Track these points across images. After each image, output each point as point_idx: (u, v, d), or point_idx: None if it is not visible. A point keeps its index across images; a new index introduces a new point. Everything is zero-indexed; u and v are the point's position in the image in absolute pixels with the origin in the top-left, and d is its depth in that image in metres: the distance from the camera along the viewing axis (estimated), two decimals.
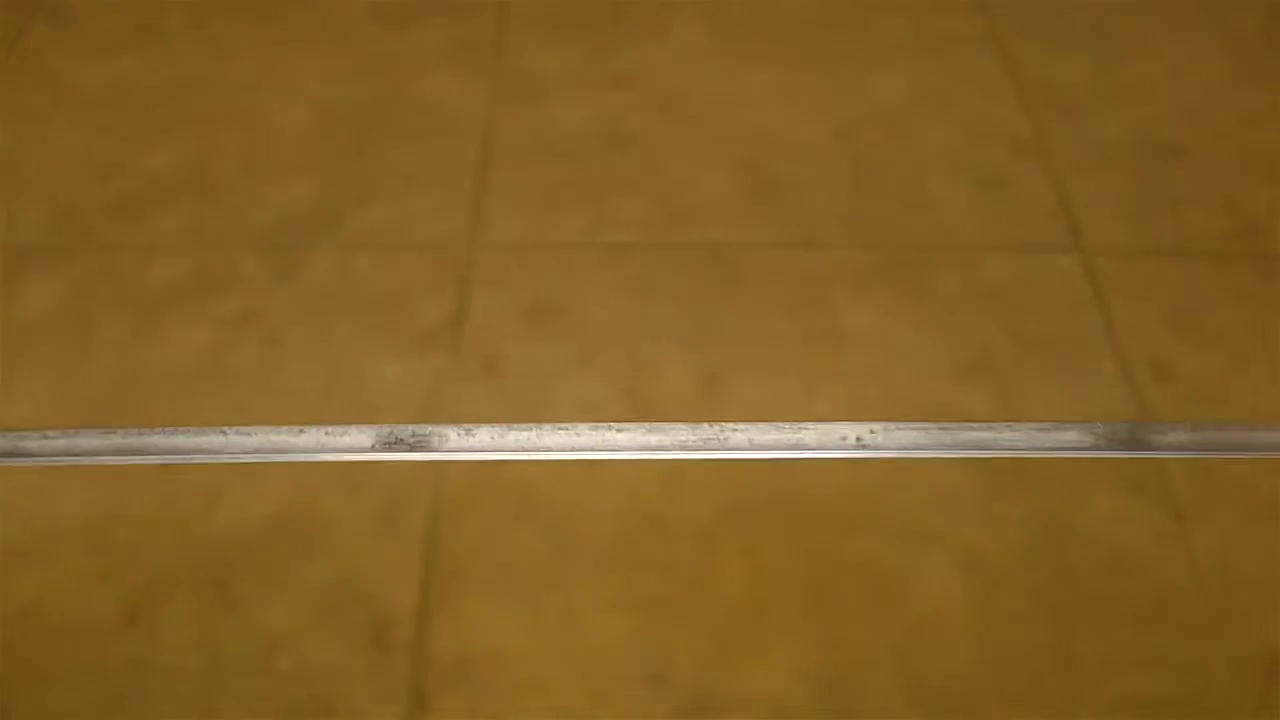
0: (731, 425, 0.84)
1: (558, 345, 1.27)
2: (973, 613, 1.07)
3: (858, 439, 0.85)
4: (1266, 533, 1.12)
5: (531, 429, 0.84)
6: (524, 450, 0.85)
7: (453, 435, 0.85)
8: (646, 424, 0.84)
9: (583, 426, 0.85)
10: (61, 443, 0.81)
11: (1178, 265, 1.37)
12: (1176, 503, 1.14)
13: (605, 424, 0.86)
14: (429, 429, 0.84)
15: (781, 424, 0.84)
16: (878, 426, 0.85)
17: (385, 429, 0.83)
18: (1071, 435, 0.85)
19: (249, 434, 0.83)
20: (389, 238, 1.39)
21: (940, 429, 0.85)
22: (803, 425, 0.85)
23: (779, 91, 1.59)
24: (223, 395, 1.21)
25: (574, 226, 1.41)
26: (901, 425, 0.85)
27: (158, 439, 0.81)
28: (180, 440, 0.82)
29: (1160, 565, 1.10)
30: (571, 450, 0.84)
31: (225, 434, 0.82)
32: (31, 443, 0.82)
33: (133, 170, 1.46)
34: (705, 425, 0.85)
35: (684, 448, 0.86)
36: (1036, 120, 1.54)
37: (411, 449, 0.85)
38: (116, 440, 0.81)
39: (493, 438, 0.86)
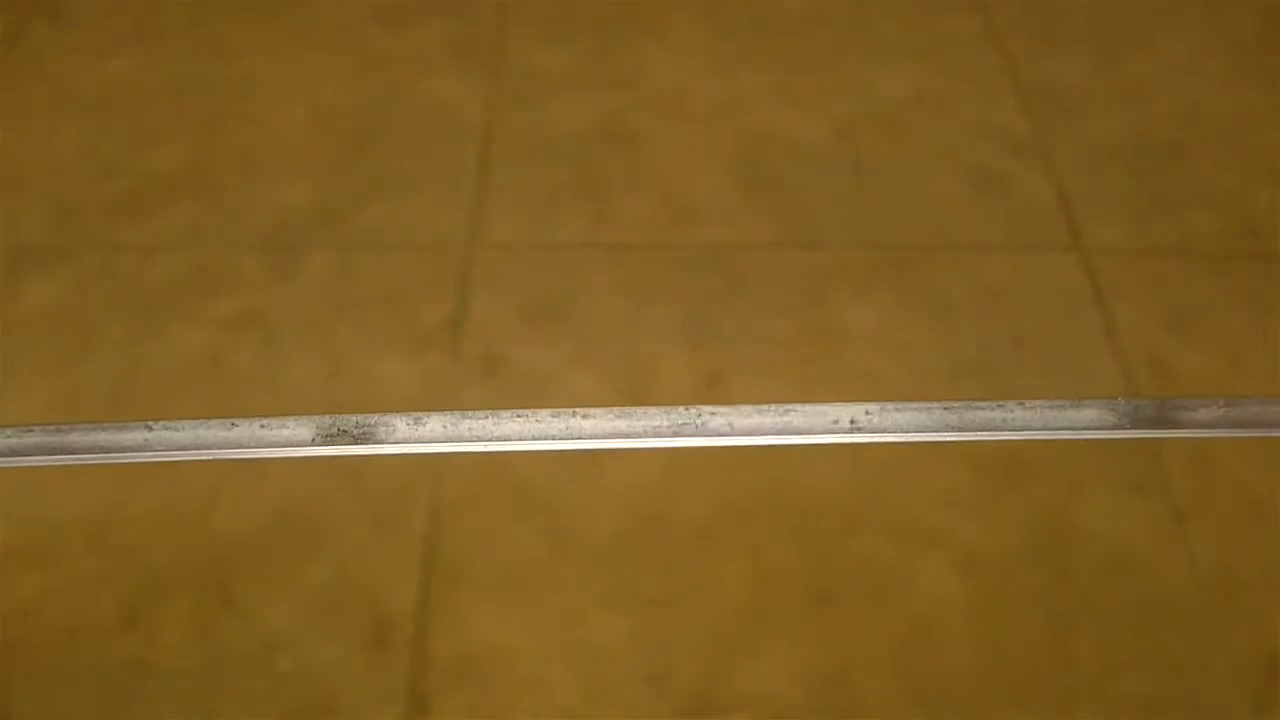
0: (710, 409, 0.80)
1: (557, 345, 1.27)
2: (972, 612, 1.07)
3: (851, 421, 0.81)
4: (1266, 532, 1.12)
5: (488, 415, 0.80)
6: (479, 440, 0.81)
7: (401, 426, 0.81)
8: (615, 409, 0.81)
9: (544, 413, 0.82)
10: None
11: (1178, 265, 1.37)
12: (1176, 502, 1.14)
13: (569, 410, 0.82)
14: (374, 419, 0.80)
15: (765, 406, 0.81)
16: (874, 407, 0.81)
17: (327, 420, 0.80)
18: (1091, 414, 0.81)
19: (177, 429, 0.79)
20: (389, 238, 1.39)
21: (944, 409, 0.80)
22: (790, 407, 0.81)
23: (779, 91, 1.59)
24: (222, 394, 1.22)
25: (574, 226, 1.41)
26: (900, 406, 0.81)
27: (76, 437, 0.78)
28: (103, 438, 0.78)
29: (1160, 565, 1.10)
30: (532, 439, 0.81)
31: (151, 429, 0.78)
32: None
33: (133, 170, 1.46)
34: (680, 409, 0.81)
35: (657, 434, 0.82)
36: (1036, 120, 1.54)
37: (356, 441, 0.81)
38: (33, 439, 0.77)
39: (445, 426, 0.82)
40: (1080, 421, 0.83)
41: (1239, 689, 1.03)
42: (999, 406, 0.82)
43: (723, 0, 1.72)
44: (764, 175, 1.47)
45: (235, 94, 1.57)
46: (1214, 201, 1.44)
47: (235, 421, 0.79)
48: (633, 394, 1.22)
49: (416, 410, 0.79)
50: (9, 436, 0.77)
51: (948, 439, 0.80)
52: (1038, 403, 0.83)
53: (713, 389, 1.22)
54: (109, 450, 0.77)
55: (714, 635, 1.05)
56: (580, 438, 0.82)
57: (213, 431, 0.80)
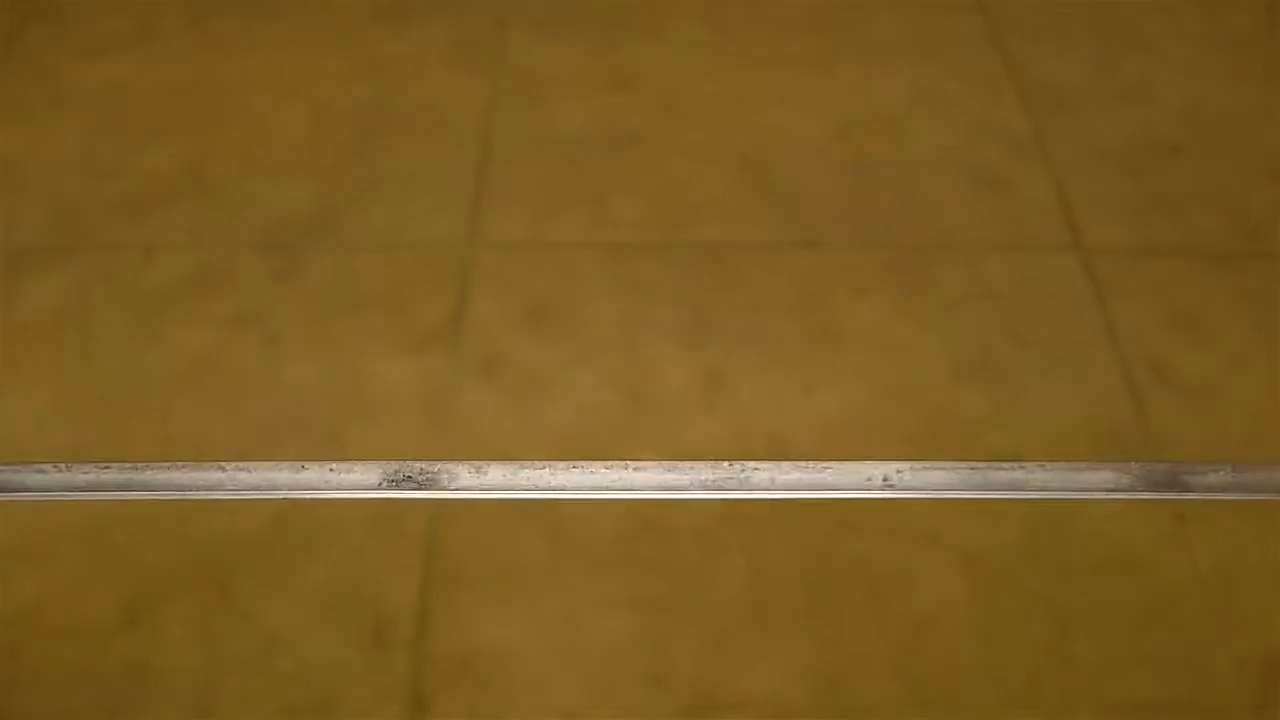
0: (753, 464, 0.84)
1: (557, 345, 1.27)
2: (972, 613, 1.07)
3: (884, 479, 0.84)
4: (1267, 533, 1.12)
5: (545, 467, 0.84)
6: (537, 489, 0.85)
7: (463, 473, 0.85)
8: (665, 463, 0.85)
9: (598, 465, 0.85)
10: (56, 477, 0.79)
11: (1178, 265, 1.37)
12: (1177, 503, 1.14)
13: (621, 462, 0.86)
14: (438, 466, 0.83)
15: (804, 463, 0.84)
16: (904, 466, 0.84)
17: (393, 465, 0.83)
18: (1105, 476, 0.84)
19: (249, 470, 0.81)
20: (389, 238, 1.39)
21: (970, 469, 0.84)
22: (826, 465, 0.84)
23: (779, 91, 1.59)
24: (222, 395, 1.21)
25: (574, 226, 1.41)
26: (930, 465, 0.85)
27: (152, 475, 0.79)
28: (178, 477, 0.80)
29: (1160, 565, 1.10)
30: (586, 490, 0.84)
31: (224, 470, 0.80)
32: (24, 476, 0.81)
33: (132, 170, 1.46)
34: (725, 464, 0.85)
35: (704, 487, 0.86)
36: (1036, 120, 1.54)
37: (420, 487, 0.84)
38: (110, 476, 0.79)
39: (504, 476, 0.85)
40: (1095, 484, 0.85)
41: (1239, 689, 1.03)
42: (1020, 468, 0.85)
43: (723, 0, 1.72)
44: (764, 175, 1.47)
45: (235, 94, 1.57)
46: (1214, 201, 1.44)
47: (305, 465, 0.82)
48: (634, 394, 1.22)
49: (478, 459, 0.83)
50: (87, 473, 0.79)
51: (973, 497, 0.84)
52: (1056, 465, 0.86)
53: (713, 388, 1.22)
54: (185, 489, 0.79)
55: (714, 635, 1.05)
56: (631, 489, 0.86)
57: (283, 474, 0.83)
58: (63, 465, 0.79)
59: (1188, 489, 0.84)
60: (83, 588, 1.07)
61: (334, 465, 0.82)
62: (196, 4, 1.69)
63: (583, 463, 0.84)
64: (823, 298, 1.32)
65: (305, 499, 0.79)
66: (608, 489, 0.84)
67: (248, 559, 1.09)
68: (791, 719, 1.01)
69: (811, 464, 0.84)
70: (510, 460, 0.82)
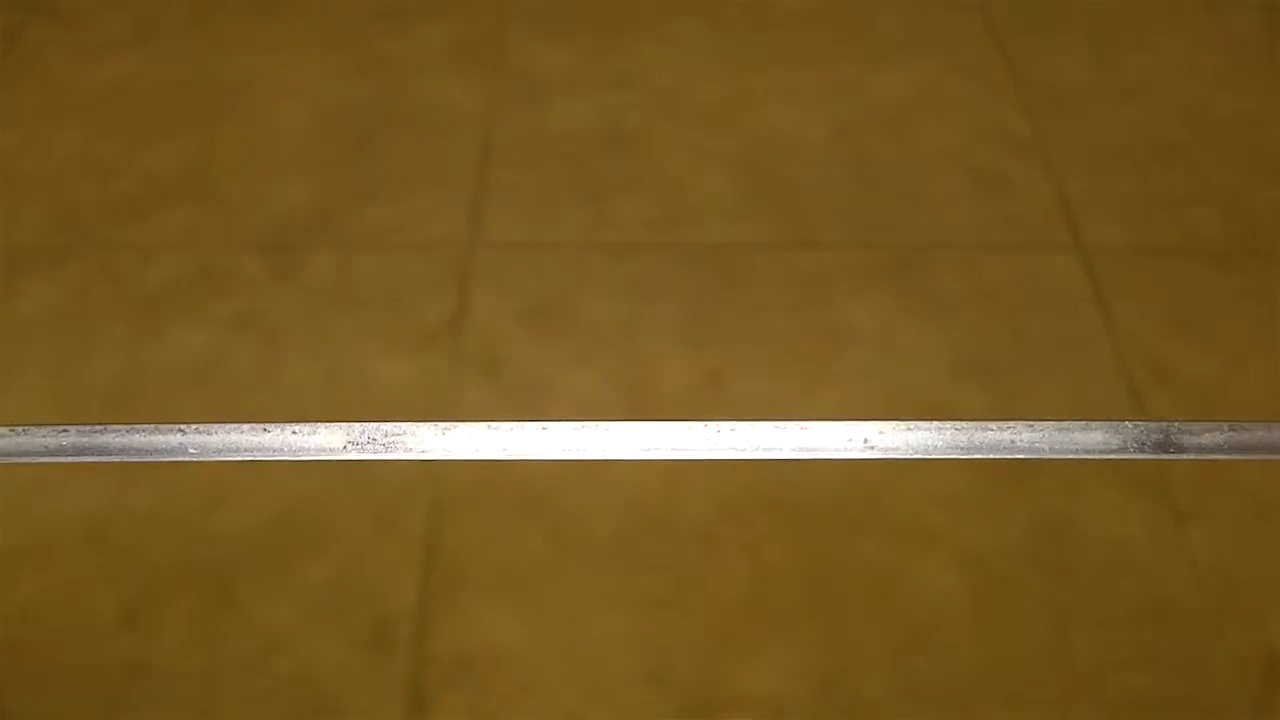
0: (730, 425, 0.82)
1: (558, 345, 1.27)
2: (972, 613, 1.07)
3: (865, 440, 0.82)
4: (1267, 533, 1.12)
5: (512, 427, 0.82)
6: (503, 451, 0.82)
7: (427, 434, 0.83)
8: (638, 423, 0.82)
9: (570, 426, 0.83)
10: (12, 440, 0.78)
11: (1178, 265, 1.37)
12: (1177, 503, 1.14)
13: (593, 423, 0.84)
14: (403, 427, 0.82)
15: (784, 423, 0.82)
16: (886, 427, 0.82)
17: (357, 427, 0.81)
18: (1097, 437, 0.82)
19: (210, 433, 0.80)
20: (389, 238, 1.39)
21: (955, 429, 0.81)
22: (806, 425, 0.82)
23: (779, 91, 1.59)
24: (222, 395, 1.21)
25: (574, 226, 1.41)
26: (912, 425, 0.82)
27: (111, 439, 0.78)
28: (139, 440, 0.79)
29: (1160, 565, 1.10)
30: (553, 452, 0.82)
31: (184, 433, 0.79)
32: None
33: (133, 170, 1.46)
34: (701, 425, 0.83)
35: (682, 450, 0.83)
36: (1036, 120, 1.54)
37: (385, 450, 0.82)
38: (70, 439, 0.78)
39: (471, 437, 0.83)
40: (1087, 445, 0.83)
41: (1239, 689, 1.03)
42: (1007, 428, 0.83)
43: (722, 0, 1.72)
44: (764, 175, 1.47)
45: (235, 94, 1.57)
46: (1214, 201, 1.44)
47: (267, 428, 0.81)
48: (634, 393, 1.22)
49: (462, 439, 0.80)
50: (45, 436, 0.78)
51: (957, 458, 0.81)
52: (1045, 424, 0.84)
53: (713, 388, 1.22)
54: (145, 452, 0.78)
55: (714, 635, 1.05)
56: (590, 450, 0.83)
57: (246, 437, 0.81)
58: (20, 429, 0.78)
59: (1182, 449, 0.82)
60: (83, 588, 1.07)
61: (297, 427, 0.80)
62: (196, 4, 1.70)
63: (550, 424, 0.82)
64: (823, 298, 1.33)
65: (268, 461, 0.78)
66: (574, 450, 0.82)
67: (248, 559, 1.09)
68: (791, 719, 1.01)
69: (792, 424, 0.82)
70: (479, 422, 0.80)
